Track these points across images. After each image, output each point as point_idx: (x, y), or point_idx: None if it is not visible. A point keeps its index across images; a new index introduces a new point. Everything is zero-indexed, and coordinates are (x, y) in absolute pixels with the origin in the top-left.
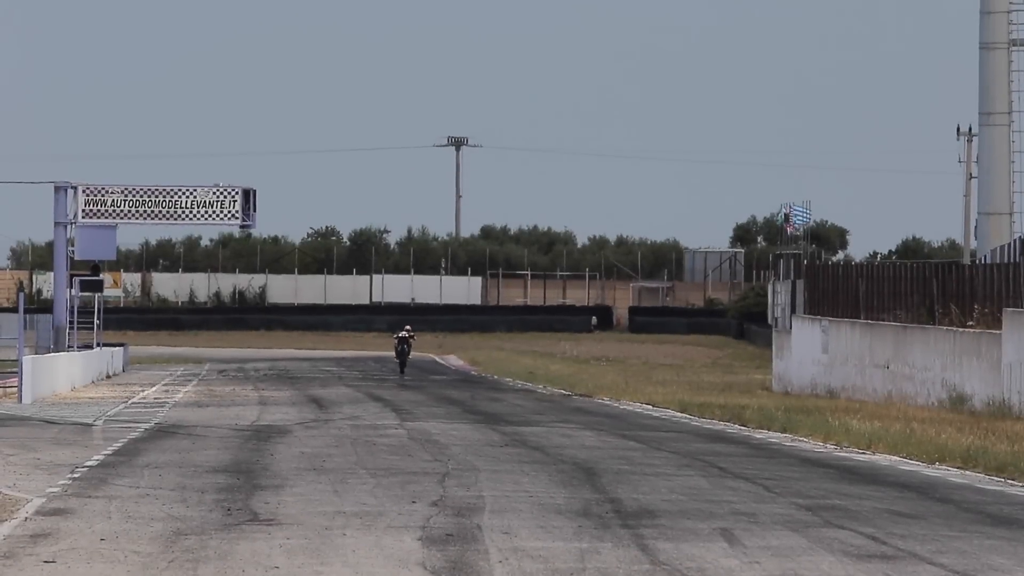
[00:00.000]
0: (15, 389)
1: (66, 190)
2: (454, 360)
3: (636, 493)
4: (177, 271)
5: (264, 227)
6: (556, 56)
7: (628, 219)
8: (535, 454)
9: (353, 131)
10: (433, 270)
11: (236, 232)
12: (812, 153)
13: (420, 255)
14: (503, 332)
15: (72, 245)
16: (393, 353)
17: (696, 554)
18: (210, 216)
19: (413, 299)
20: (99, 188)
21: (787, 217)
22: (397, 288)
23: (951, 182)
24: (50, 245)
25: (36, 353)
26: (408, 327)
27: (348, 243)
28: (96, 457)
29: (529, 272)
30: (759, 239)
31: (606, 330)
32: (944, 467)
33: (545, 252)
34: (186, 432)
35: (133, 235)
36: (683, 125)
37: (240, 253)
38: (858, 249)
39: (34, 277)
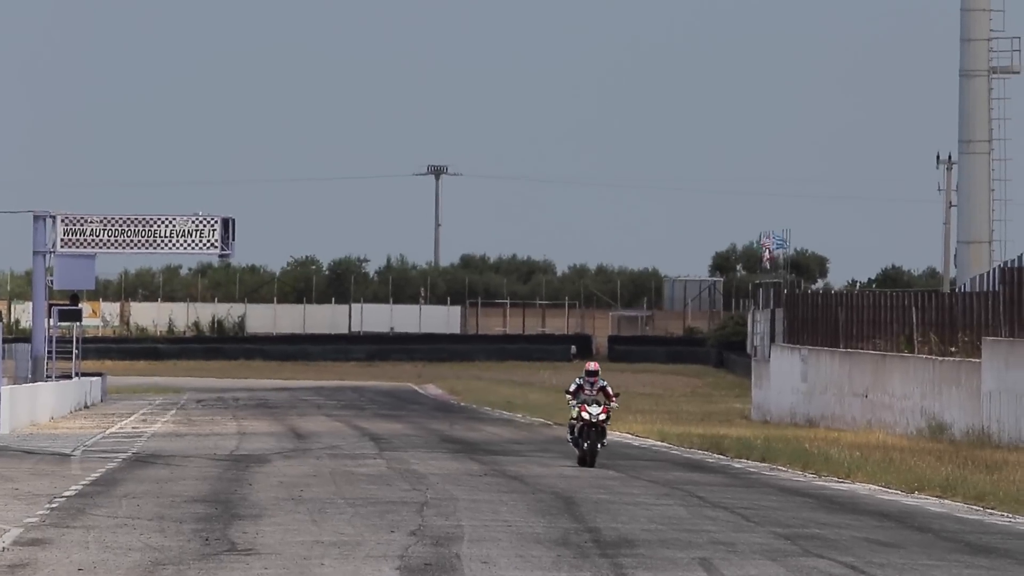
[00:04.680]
0: None
1: (45, 219)
2: (433, 389)
3: (615, 522)
4: (156, 300)
5: (243, 256)
6: (536, 84)
7: (607, 247)
8: (514, 483)
9: (333, 160)
10: (412, 299)
11: (215, 261)
12: (792, 181)
13: (399, 284)
14: (482, 361)
15: (51, 275)
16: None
17: None
18: (189, 245)
19: (392, 328)
20: (78, 217)
21: (765, 249)
22: (376, 317)
23: (931, 210)
24: (29, 274)
25: (14, 383)
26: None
27: (327, 272)
28: (74, 487)
29: (508, 301)
30: (738, 267)
31: (586, 359)
32: (923, 496)
33: (524, 281)
34: (164, 462)
35: (112, 264)
36: (663, 153)
37: (219, 282)
38: (838, 277)
39: (13, 307)
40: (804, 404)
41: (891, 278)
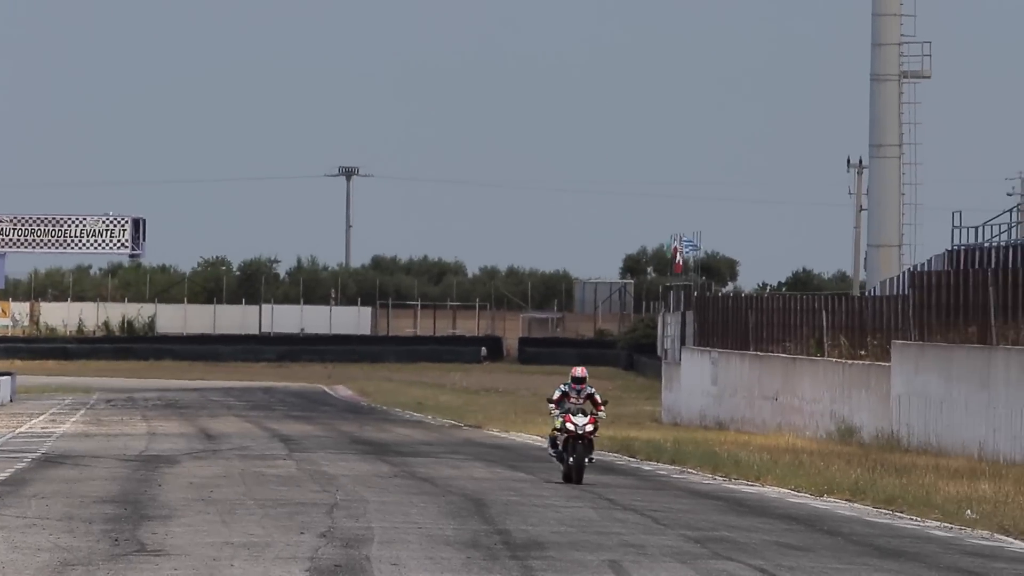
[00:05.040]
0: None
1: None
2: (343, 390)
3: (525, 524)
4: (66, 300)
5: (154, 256)
6: (447, 85)
7: (519, 250)
8: (424, 485)
9: (244, 161)
10: (323, 300)
11: (126, 261)
12: (703, 184)
13: (310, 285)
14: (393, 362)
15: None
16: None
17: None
18: (100, 245)
19: (303, 329)
20: None
21: (674, 253)
22: (287, 318)
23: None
24: None
25: None
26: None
27: (238, 273)
28: None
29: (419, 302)
30: (649, 270)
31: (496, 361)
32: (833, 499)
33: (435, 282)
34: (73, 462)
35: (22, 264)
36: (575, 155)
37: (129, 282)
38: (748, 280)
39: None
40: (714, 407)
41: (801, 281)
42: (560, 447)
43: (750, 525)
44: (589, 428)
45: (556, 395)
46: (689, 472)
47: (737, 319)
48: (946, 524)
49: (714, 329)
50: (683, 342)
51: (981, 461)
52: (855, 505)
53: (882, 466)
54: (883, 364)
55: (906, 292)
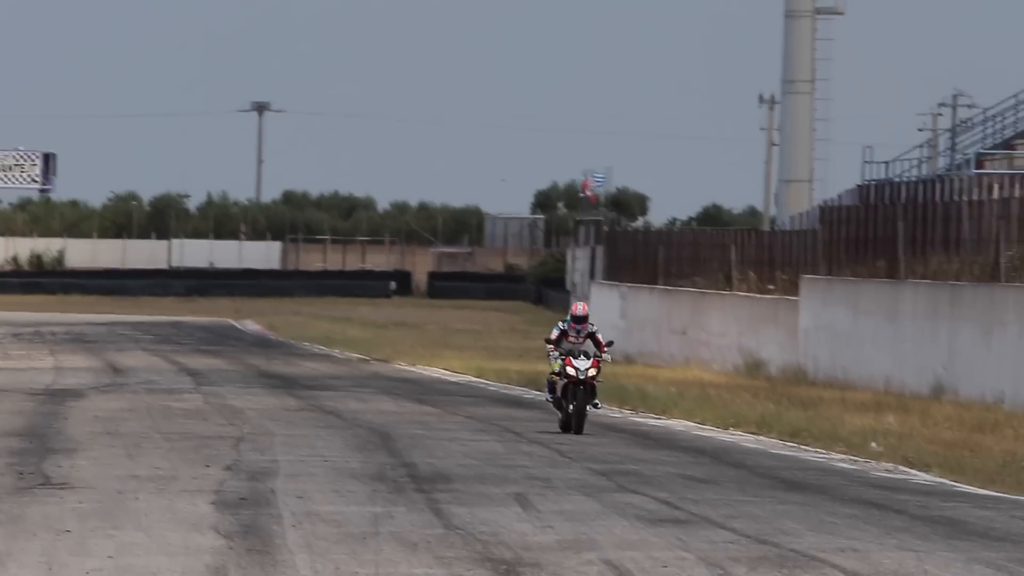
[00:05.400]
0: None
1: None
2: (252, 325)
3: (431, 458)
4: None
5: (64, 191)
6: (358, 20)
7: (429, 185)
8: (331, 419)
9: (155, 96)
10: (233, 235)
11: (35, 196)
12: (614, 119)
13: (220, 220)
14: (302, 297)
15: None
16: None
17: (490, 518)
18: (9, 179)
19: (212, 264)
20: None
21: (584, 187)
22: (197, 253)
23: (753, 149)
24: None
25: None
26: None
27: (149, 208)
28: None
29: (329, 237)
30: (560, 205)
31: (405, 295)
32: (739, 432)
33: (346, 217)
34: None
35: None
36: (486, 90)
37: (39, 217)
38: (658, 215)
39: None
40: (622, 341)
41: (711, 216)
42: (559, 393)
43: (656, 458)
44: (592, 372)
45: (554, 334)
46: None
47: (647, 254)
48: (851, 457)
49: (623, 264)
50: (592, 277)
51: (887, 394)
52: (761, 438)
53: (788, 399)
54: (791, 298)
55: (816, 227)
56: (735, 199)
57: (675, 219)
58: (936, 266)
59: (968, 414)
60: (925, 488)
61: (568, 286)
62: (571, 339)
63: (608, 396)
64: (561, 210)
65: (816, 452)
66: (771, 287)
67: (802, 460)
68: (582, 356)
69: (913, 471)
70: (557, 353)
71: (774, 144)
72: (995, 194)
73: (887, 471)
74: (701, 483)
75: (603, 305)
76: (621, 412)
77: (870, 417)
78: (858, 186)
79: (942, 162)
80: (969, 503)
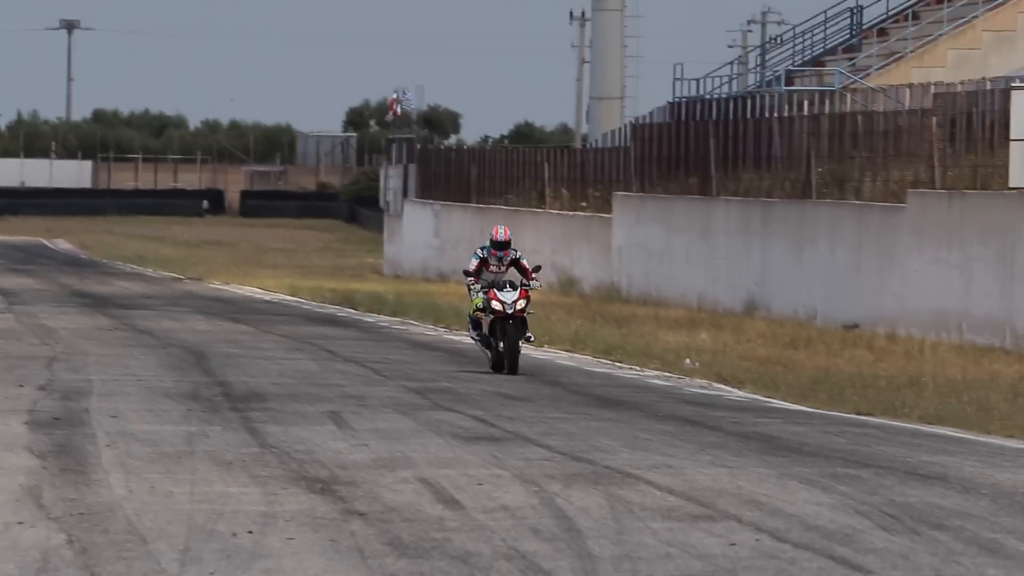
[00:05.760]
0: None
1: None
2: (63, 244)
3: (246, 376)
4: None
5: None
6: None
7: (241, 103)
8: (144, 338)
9: None
10: (43, 153)
11: None
12: (425, 37)
13: (30, 138)
14: (114, 216)
15: None
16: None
17: (305, 437)
18: None
19: (23, 183)
20: None
21: (391, 105)
22: (7, 172)
23: (564, 66)
24: None
25: None
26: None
27: None
28: None
29: (140, 156)
30: (372, 123)
31: (218, 214)
32: (553, 350)
33: (157, 136)
34: None
35: None
36: (296, 7)
37: None
38: (471, 133)
39: None
40: (436, 259)
41: (524, 134)
42: (485, 330)
43: (471, 376)
44: (520, 304)
45: (473, 264)
46: (411, 324)
47: (460, 172)
48: (665, 373)
49: (436, 182)
50: (405, 195)
51: (700, 311)
52: (575, 355)
53: (602, 317)
54: (604, 216)
55: (628, 144)
56: (547, 116)
57: (488, 137)
58: (748, 183)
59: (781, 330)
60: (739, 404)
61: (381, 204)
62: (492, 268)
63: (422, 314)
64: (374, 128)
65: (630, 369)
66: (584, 205)
67: (616, 377)
68: (507, 287)
69: (727, 387)
70: (479, 286)
71: (585, 61)
72: (805, 111)
73: (701, 387)
74: (516, 400)
75: (416, 224)
76: (436, 330)
77: (684, 334)
78: (669, 103)
79: (752, 79)
80: (782, 419)
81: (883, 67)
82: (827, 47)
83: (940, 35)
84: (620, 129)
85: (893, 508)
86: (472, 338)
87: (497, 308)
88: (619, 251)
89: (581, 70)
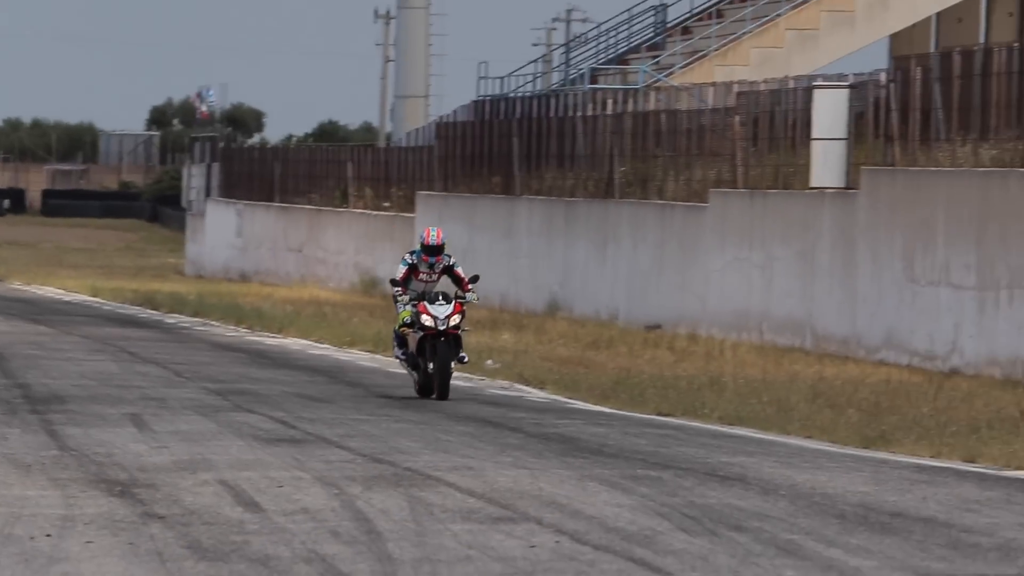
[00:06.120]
0: None
1: None
2: None
3: (46, 378)
4: None
5: None
6: None
7: (43, 101)
8: None
9: None
10: None
11: None
12: (228, 35)
13: None
14: None
15: None
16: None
17: (105, 439)
18: None
19: None
20: None
21: (199, 102)
22: None
23: (369, 65)
24: None
25: None
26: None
27: None
28: None
29: None
30: (175, 122)
31: (19, 214)
32: (355, 351)
33: None
34: None
35: None
36: (99, 5)
37: None
38: (275, 132)
39: None
40: (239, 259)
41: (328, 132)
42: (412, 348)
43: (272, 377)
44: (454, 320)
45: (400, 271)
46: (212, 324)
47: (263, 171)
48: (467, 375)
49: (240, 181)
50: (208, 194)
51: (503, 311)
52: (377, 356)
53: None
54: (408, 215)
55: (432, 143)
56: (351, 115)
57: (291, 135)
58: (551, 182)
59: (583, 331)
60: (540, 405)
61: (184, 204)
62: (422, 277)
63: (224, 315)
64: (177, 127)
65: None
66: (387, 204)
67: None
68: (440, 299)
69: (528, 388)
70: (407, 297)
71: (390, 60)
72: (609, 109)
73: (502, 388)
74: (317, 402)
75: (219, 223)
76: (238, 331)
77: (486, 334)
78: (474, 102)
79: (557, 78)
80: (583, 420)
81: (687, 65)
82: (631, 45)
83: (744, 33)
84: (424, 128)
85: (693, 509)
86: (397, 357)
87: (427, 323)
88: None
89: (386, 68)
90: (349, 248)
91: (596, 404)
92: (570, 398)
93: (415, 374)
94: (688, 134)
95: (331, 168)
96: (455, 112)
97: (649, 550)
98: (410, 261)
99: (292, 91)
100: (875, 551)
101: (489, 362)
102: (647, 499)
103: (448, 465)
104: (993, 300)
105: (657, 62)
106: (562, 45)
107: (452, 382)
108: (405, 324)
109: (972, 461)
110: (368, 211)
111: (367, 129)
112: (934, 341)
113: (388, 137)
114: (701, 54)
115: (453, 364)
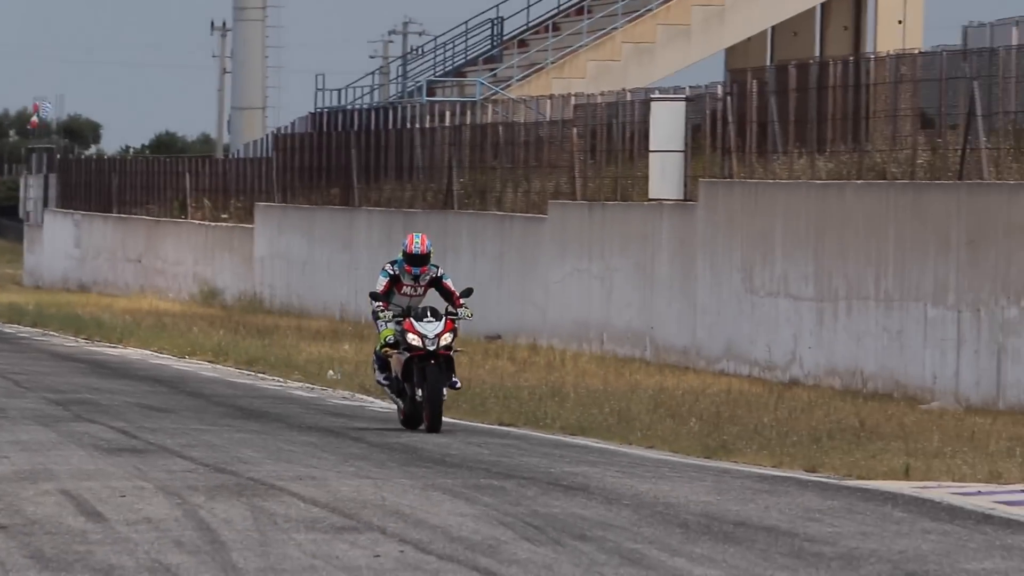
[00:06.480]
0: None
1: None
2: None
3: None
4: None
5: None
6: None
7: None
8: None
9: None
10: None
11: None
12: (65, 46)
13: None
14: None
15: None
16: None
17: None
18: None
19: None
20: None
21: (34, 112)
22: None
23: (206, 76)
24: None
25: None
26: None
27: None
28: None
29: None
30: (11, 132)
31: None
32: (195, 361)
33: None
34: None
35: None
36: None
37: None
38: (111, 143)
39: None
40: (77, 270)
41: (165, 144)
42: (397, 373)
43: (112, 387)
44: (446, 339)
45: (380, 284)
46: (51, 334)
47: (100, 182)
48: (308, 384)
49: (77, 192)
50: (46, 205)
51: (344, 322)
52: (218, 366)
53: (245, 328)
54: (247, 226)
55: (270, 154)
56: (189, 126)
57: (129, 147)
58: (390, 193)
59: None
60: (382, 415)
61: (21, 215)
62: (406, 289)
63: (63, 325)
64: (13, 138)
65: (273, 380)
66: (226, 215)
67: (259, 388)
68: (429, 316)
69: (369, 398)
70: (390, 314)
71: (227, 71)
72: (447, 122)
73: (344, 399)
74: (158, 412)
75: (57, 234)
76: (76, 341)
77: (326, 345)
78: (311, 114)
79: (394, 90)
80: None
81: (524, 78)
82: (468, 58)
83: (580, 46)
84: (262, 139)
85: (536, 519)
86: (379, 382)
87: (415, 343)
88: (261, 261)
89: (222, 80)
90: (188, 259)
91: None
92: None
93: (400, 402)
94: (526, 146)
95: (169, 179)
96: (293, 124)
97: (493, 559)
98: (391, 272)
99: (129, 103)
100: (719, 560)
101: (331, 373)
102: (491, 509)
103: (291, 475)
104: (831, 311)
105: (494, 75)
106: (399, 57)
107: (294, 392)
108: (387, 344)
109: (813, 471)
110: (207, 222)
111: (205, 141)
112: (773, 352)
113: (226, 149)
114: (538, 67)
115: (445, 391)
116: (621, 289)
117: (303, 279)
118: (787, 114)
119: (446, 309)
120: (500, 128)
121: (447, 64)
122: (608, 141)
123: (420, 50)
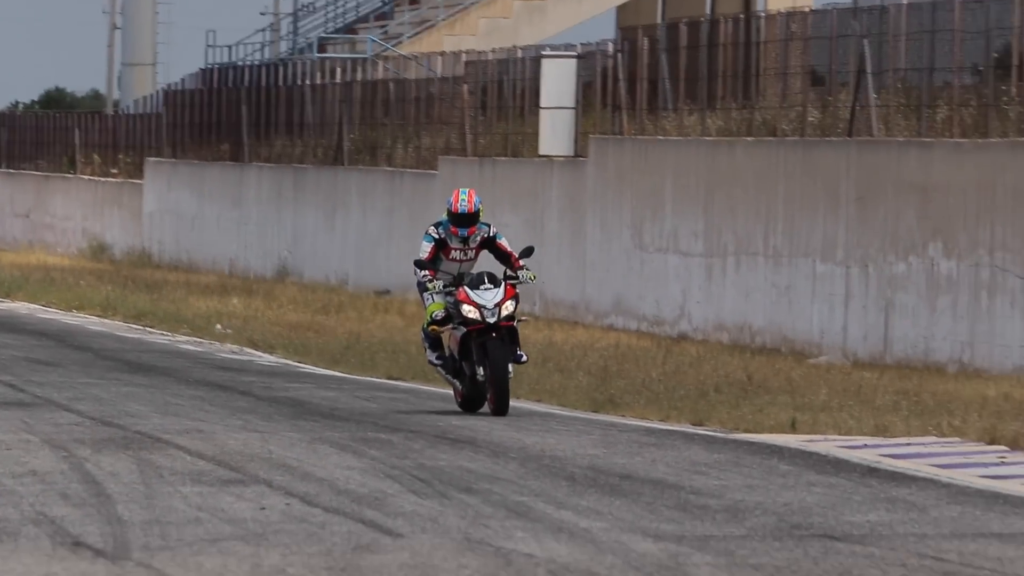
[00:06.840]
0: None
1: None
2: None
3: None
4: None
5: None
6: None
7: None
8: None
9: None
10: None
11: None
12: None
13: None
14: None
15: None
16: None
17: None
18: None
19: None
20: None
21: None
22: None
23: (96, 32)
24: None
25: None
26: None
27: None
28: None
29: None
30: None
31: None
32: (83, 315)
33: None
34: None
35: None
36: None
37: None
38: (0, 99)
39: None
40: None
41: (54, 99)
42: (454, 350)
43: (0, 341)
44: (508, 308)
45: (425, 250)
46: None
47: None
48: (197, 339)
49: None
50: None
51: (232, 277)
52: (106, 321)
53: (134, 282)
54: (136, 182)
55: (160, 110)
56: (79, 82)
57: (18, 102)
58: (280, 149)
59: (313, 296)
60: (270, 369)
61: None
62: (455, 254)
63: None
64: None
65: (161, 334)
66: (115, 171)
67: (147, 343)
68: (486, 282)
69: (258, 352)
70: (439, 283)
71: (117, 27)
72: (337, 78)
73: (232, 352)
74: (46, 366)
75: None
76: None
77: (215, 300)
78: (202, 70)
79: (285, 46)
80: (314, 384)
81: (415, 35)
82: (360, 15)
83: (471, 4)
84: (153, 95)
85: (423, 472)
86: (431, 362)
87: (472, 316)
88: (150, 217)
89: (112, 36)
90: (77, 214)
91: (326, 368)
92: (300, 362)
93: (457, 383)
94: (417, 103)
95: (58, 135)
96: (183, 80)
97: (380, 512)
98: (436, 236)
99: (17, 58)
100: (605, 513)
101: (219, 327)
102: (377, 462)
103: (178, 428)
104: (720, 267)
105: (385, 31)
106: (290, 14)
107: (182, 346)
108: (435, 321)
109: (700, 424)
110: (96, 178)
111: (95, 96)
112: (662, 307)
113: (116, 104)
114: (429, 24)
115: (511, 367)
116: (512, 245)
117: (192, 234)
118: (678, 71)
119: (504, 273)
120: (391, 85)
121: (338, 21)
122: (499, 98)
123: (311, 7)
